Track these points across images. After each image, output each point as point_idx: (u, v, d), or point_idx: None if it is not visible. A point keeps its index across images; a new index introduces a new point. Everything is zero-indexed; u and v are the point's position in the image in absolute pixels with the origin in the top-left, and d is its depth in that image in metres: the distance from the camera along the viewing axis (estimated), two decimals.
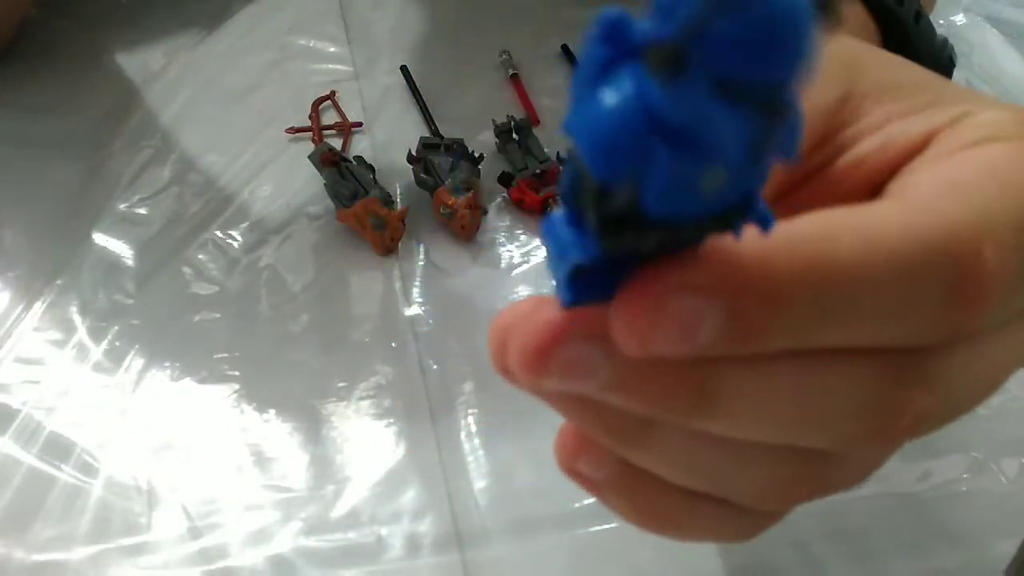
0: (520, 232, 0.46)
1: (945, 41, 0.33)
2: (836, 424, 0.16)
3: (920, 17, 0.32)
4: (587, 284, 0.13)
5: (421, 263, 0.44)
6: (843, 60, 0.22)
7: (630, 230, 0.12)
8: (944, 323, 0.16)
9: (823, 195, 0.21)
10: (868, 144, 0.21)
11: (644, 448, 0.17)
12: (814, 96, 0.21)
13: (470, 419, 0.37)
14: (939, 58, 0.33)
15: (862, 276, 0.15)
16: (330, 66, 0.57)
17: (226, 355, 0.40)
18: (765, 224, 0.13)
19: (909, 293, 0.15)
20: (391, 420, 0.37)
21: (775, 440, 0.17)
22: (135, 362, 0.40)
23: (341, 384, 0.39)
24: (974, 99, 0.21)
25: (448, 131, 0.51)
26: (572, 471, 0.19)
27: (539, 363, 0.14)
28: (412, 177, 0.47)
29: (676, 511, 0.19)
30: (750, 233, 0.13)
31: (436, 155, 0.47)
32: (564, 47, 0.57)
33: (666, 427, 0.17)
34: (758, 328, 0.14)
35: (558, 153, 0.48)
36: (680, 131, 0.10)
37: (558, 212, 0.13)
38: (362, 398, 0.38)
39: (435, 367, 0.39)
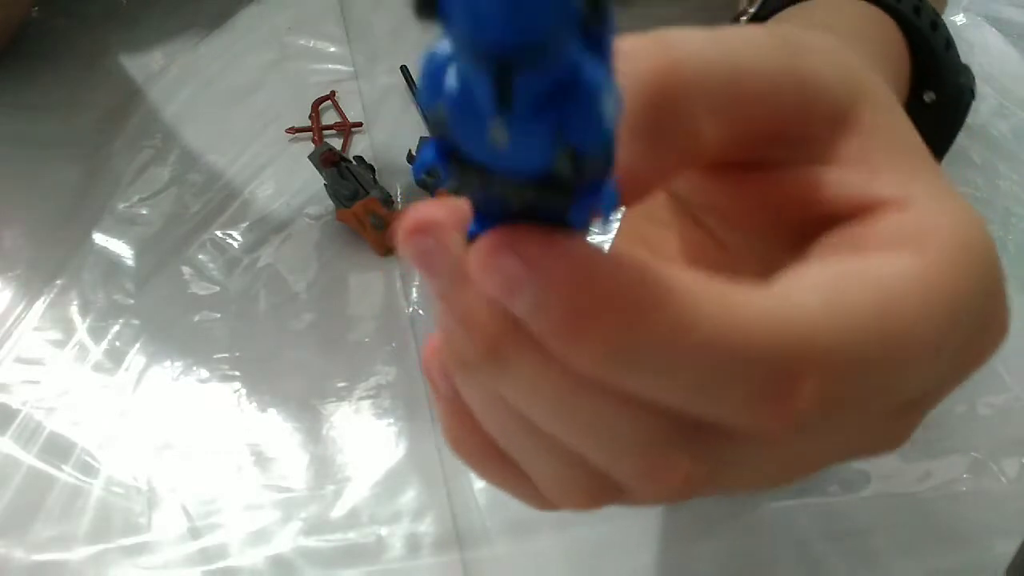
0: None
1: (967, 70, 0.33)
2: (608, 453, 0.17)
3: (950, 45, 0.32)
4: (485, 222, 0.15)
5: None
6: (856, 83, 0.20)
7: (473, 170, 0.13)
8: (742, 421, 0.16)
9: (776, 194, 0.21)
10: (819, 179, 0.20)
11: (464, 382, 0.18)
12: (825, 87, 0.19)
13: None
14: (960, 88, 0.32)
15: (685, 350, 0.15)
16: (330, 66, 0.57)
17: (226, 355, 0.40)
18: (601, 207, 0.14)
19: (720, 383, 0.15)
20: (391, 420, 0.37)
21: (550, 432, 0.17)
22: (135, 362, 0.40)
23: (341, 384, 0.39)
24: (946, 192, 0.19)
25: None
26: (425, 369, 0.20)
27: (409, 235, 0.16)
28: (412, 177, 0.47)
29: (481, 455, 0.20)
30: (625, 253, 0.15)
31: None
32: None
33: (480, 374, 0.17)
34: (560, 334, 0.14)
35: None
36: (460, 79, 0.12)
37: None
38: (362, 398, 0.38)
39: None
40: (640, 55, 0.17)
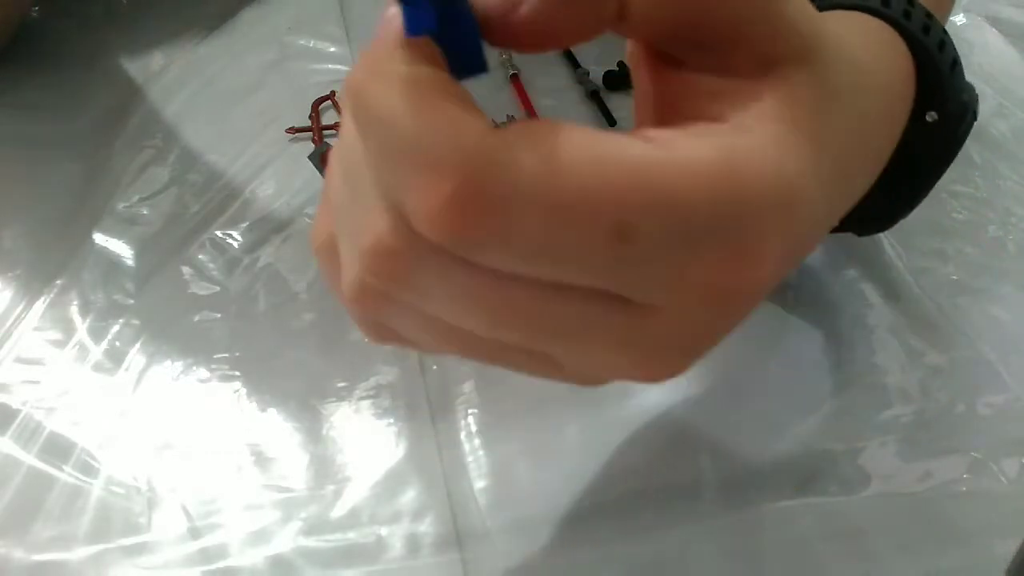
0: None
1: (971, 89, 0.33)
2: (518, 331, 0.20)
3: (955, 65, 0.31)
4: (417, 20, 0.19)
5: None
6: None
7: None
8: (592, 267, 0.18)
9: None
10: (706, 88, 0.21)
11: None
12: (774, 30, 0.21)
13: (470, 419, 0.37)
14: (964, 108, 0.32)
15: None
16: (330, 66, 0.57)
17: (226, 355, 0.40)
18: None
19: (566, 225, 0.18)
20: (391, 420, 0.37)
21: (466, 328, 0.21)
22: (135, 362, 0.40)
23: (341, 384, 0.39)
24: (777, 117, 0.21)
25: None
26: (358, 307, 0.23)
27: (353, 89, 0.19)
28: None
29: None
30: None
31: None
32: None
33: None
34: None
35: None
36: None
37: None
38: (362, 398, 0.38)
39: (435, 367, 0.39)
40: None
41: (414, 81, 0.18)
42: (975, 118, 0.33)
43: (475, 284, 0.19)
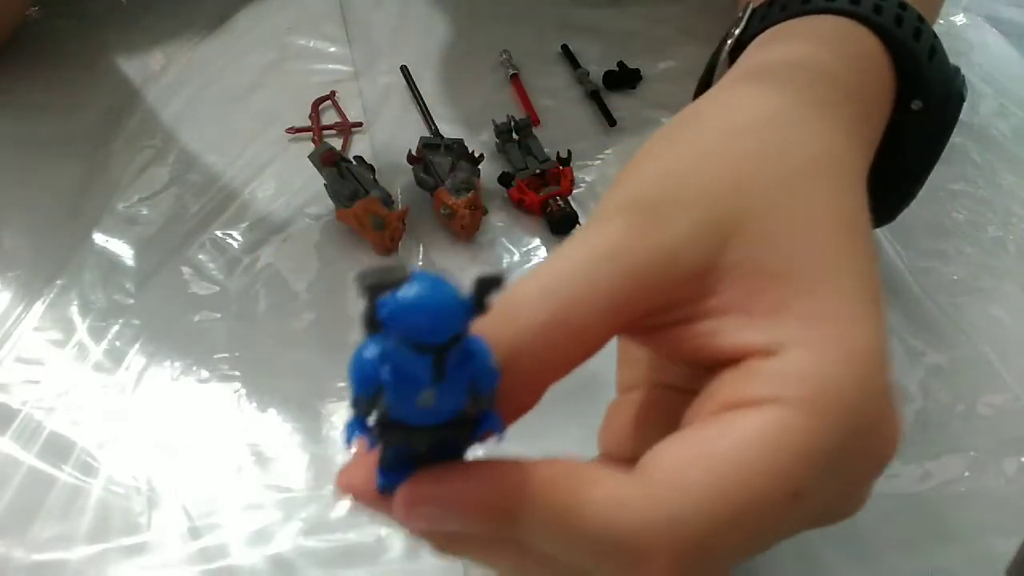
0: (520, 232, 0.46)
1: (957, 72, 0.33)
2: None
3: (935, 52, 0.31)
4: (393, 473, 0.20)
5: (421, 263, 0.44)
6: (721, 223, 0.21)
7: (397, 430, 0.19)
8: None
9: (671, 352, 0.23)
10: (698, 332, 0.21)
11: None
12: (679, 254, 0.21)
13: None
14: (949, 93, 0.32)
15: (560, 534, 0.19)
16: (330, 66, 0.57)
17: (226, 355, 0.40)
18: (496, 430, 0.20)
19: (596, 561, 0.19)
20: None
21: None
22: (135, 362, 0.40)
23: (341, 384, 0.39)
24: (820, 318, 0.20)
25: (448, 131, 0.51)
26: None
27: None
28: (412, 177, 0.47)
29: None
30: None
31: (436, 155, 0.47)
32: (564, 47, 0.57)
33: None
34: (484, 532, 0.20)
35: (558, 153, 0.48)
36: (393, 368, 0.17)
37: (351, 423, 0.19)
38: None
39: None
40: (493, 329, 0.20)
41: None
42: (963, 100, 0.33)
43: None
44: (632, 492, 0.18)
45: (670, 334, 0.22)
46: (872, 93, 0.30)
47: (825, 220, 0.22)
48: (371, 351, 0.17)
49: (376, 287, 0.16)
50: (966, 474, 0.35)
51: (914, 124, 0.32)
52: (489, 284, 0.17)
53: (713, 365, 0.21)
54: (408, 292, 0.16)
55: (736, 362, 0.20)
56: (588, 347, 0.21)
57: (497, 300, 0.17)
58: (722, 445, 0.19)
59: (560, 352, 0.20)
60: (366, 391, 0.18)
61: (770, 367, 0.19)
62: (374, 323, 0.17)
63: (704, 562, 0.18)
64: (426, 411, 0.18)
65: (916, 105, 0.32)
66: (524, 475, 0.19)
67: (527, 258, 0.44)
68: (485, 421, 0.19)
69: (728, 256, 0.21)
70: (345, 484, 0.21)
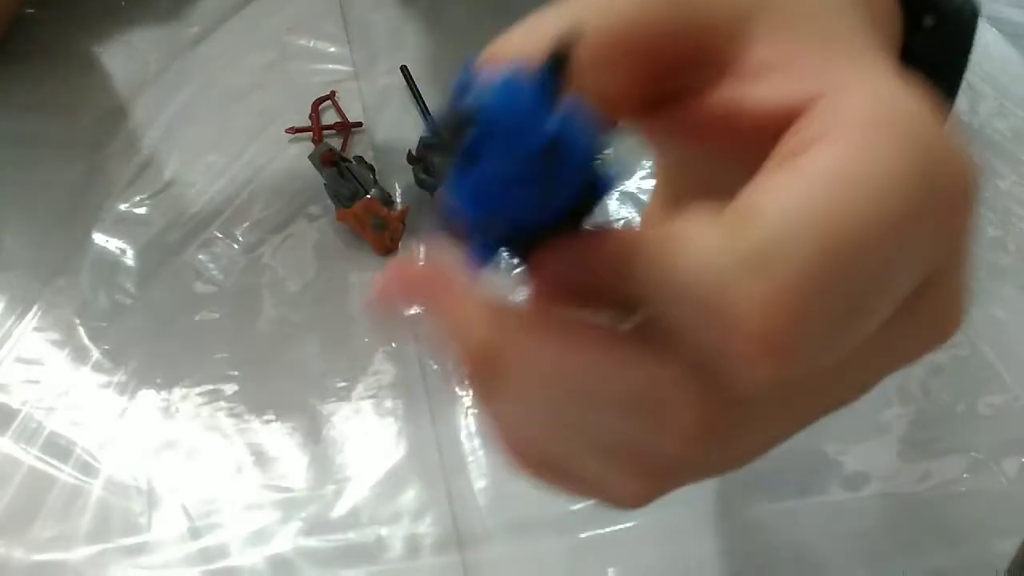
0: None
1: None
2: (629, 418, 0.18)
3: None
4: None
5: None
6: None
7: (519, 238, 0.18)
8: (719, 355, 0.16)
9: (700, 123, 0.21)
10: (740, 92, 0.19)
11: (484, 401, 0.20)
12: (712, 7, 0.19)
13: (470, 419, 0.37)
14: (960, 7, 0.30)
15: (652, 289, 0.17)
16: (330, 66, 0.57)
17: (226, 355, 0.40)
18: (614, 184, 0.18)
19: (688, 320, 0.16)
20: (391, 420, 0.37)
21: (582, 422, 0.18)
22: (135, 362, 0.40)
23: (341, 384, 0.39)
24: (848, 71, 0.19)
25: None
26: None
27: (400, 277, 0.20)
28: (412, 177, 0.47)
29: (530, 462, 0.21)
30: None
31: (436, 155, 0.47)
32: None
33: (495, 382, 0.19)
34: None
35: None
36: (500, 183, 0.16)
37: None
38: (362, 398, 0.38)
39: (435, 367, 0.39)
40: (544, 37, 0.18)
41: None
42: (977, 14, 0.31)
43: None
44: (724, 242, 0.16)
45: (701, 102, 0.20)
46: (881, 6, 0.28)
47: None
48: (473, 179, 0.16)
49: (453, 126, 0.16)
50: (966, 474, 0.35)
51: (930, 45, 0.31)
52: (561, 60, 0.16)
53: (747, 133, 0.19)
54: (486, 119, 0.15)
55: (778, 123, 0.19)
56: (621, 86, 0.20)
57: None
58: (800, 183, 0.17)
59: (612, 78, 0.19)
60: (484, 211, 0.17)
61: (824, 107, 0.18)
62: (466, 156, 0.16)
63: (819, 309, 0.16)
64: (544, 208, 0.17)
65: (928, 21, 0.30)
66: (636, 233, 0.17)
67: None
68: (604, 182, 0.18)
69: (760, 17, 0.20)
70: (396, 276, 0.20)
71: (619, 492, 0.20)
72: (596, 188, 0.18)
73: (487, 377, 0.18)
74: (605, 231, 0.18)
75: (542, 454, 0.20)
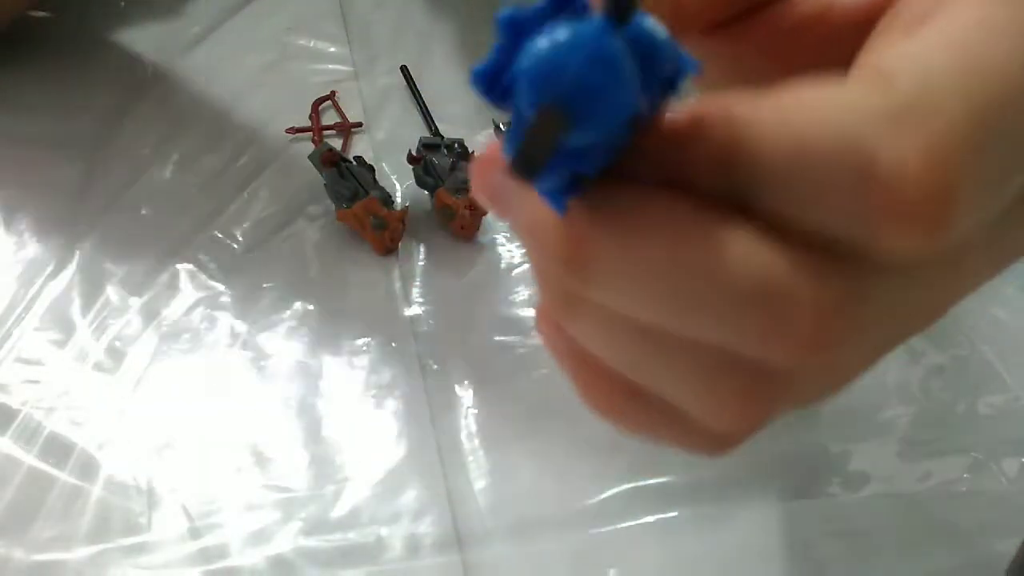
0: None
1: None
2: (738, 314, 0.15)
3: None
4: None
5: (421, 263, 0.44)
6: None
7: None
8: (857, 227, 0.14)
9: (789, 33, 0.19)
10: None
11: (570, 318, 0.17)
12: None
13: (470, 419, 0.37)
14: None
15: (772, 161, 0.14)
16: (330, 66, 0.57)
17: (226, 355, 0.40)
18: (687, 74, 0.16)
19: (819, 190, 0.14)
20: (391, 420, 0.37)
21: (672, 327, 0.16)
22: (135, 362, 0.40)
23: (341, 384, 0.39)
24: None
25: (448, 131, 0.51)
26: (540, 334, 0.19)
27: (479, 177, 0.17)
28: (412, 177, 0.47)
29: (616, 397, 0.18)
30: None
31: (436, 155, 0.47)
32: None
33: (585, 301, 0.17)
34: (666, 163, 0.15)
35: None
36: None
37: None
38: (362, 398, 0.38)
39: (435, 367, 0.39)
40: None
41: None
42: None
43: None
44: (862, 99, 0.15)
45: (780, 14, 0.19)
46: None
47: None
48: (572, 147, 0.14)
49: (542, 130, 0.13)
50: (966, 474, 0.35)
51: None
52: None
53: (840, 31, 0.18)
54: (572, 99, 0.13)
55: (875, 10, 0.18)
56: None
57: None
58: (937, 39, 0.15)
59: None
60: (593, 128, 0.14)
61: None
62: (567, 152, 0.14)
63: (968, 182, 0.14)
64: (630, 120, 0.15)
65: None
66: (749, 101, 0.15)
67: (527, 258, 0.44)
68: (680, 74, 0.16)
69: None
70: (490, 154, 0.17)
71: (712, 423, 0.18)
72: (673, 82, 0.15)
73: (574, 279, 0.16)
74: (693, 112, 0.15)
75: (628, 385, 0.18)
